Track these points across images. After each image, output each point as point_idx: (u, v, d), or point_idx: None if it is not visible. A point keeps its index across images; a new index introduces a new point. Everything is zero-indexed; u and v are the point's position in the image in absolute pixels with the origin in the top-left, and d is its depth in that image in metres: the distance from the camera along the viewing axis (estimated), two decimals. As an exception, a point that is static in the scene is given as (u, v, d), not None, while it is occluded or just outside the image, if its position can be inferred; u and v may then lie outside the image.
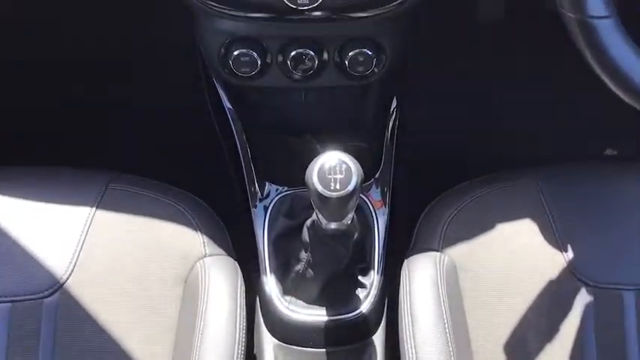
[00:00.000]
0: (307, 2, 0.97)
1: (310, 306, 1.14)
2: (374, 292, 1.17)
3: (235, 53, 1.09)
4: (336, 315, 1.12)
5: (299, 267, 1.11)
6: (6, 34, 1.57)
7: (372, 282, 1.19)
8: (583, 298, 1.03)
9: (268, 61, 1.12)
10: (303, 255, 1.08)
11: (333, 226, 0.97)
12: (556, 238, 1.09)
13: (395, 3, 1.02)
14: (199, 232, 1.09)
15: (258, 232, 1.23)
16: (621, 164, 1.30)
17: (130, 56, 1.79)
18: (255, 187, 1.29)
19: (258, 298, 1.19)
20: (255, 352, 1.16)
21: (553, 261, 1.08)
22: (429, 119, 1.70)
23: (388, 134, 1.35)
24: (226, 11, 1.01)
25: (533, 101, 1.91)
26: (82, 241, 1.03)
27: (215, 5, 1.01)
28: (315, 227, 1.03)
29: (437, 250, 1.11)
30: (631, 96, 0.78)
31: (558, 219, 1.11)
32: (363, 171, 0.90)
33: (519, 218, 1.12)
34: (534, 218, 1.10)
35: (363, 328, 1.16)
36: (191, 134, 1.58)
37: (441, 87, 1.82)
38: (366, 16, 1.04)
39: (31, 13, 1.56)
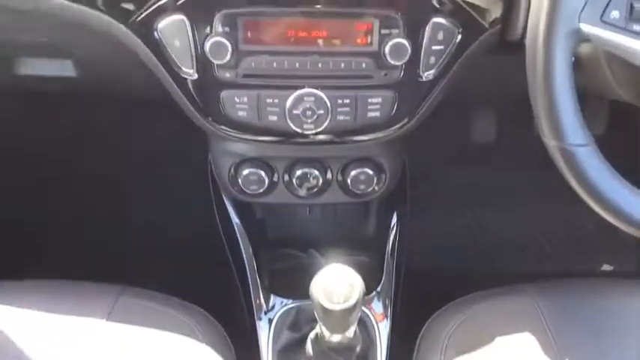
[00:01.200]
0: (312, 127, 1.06)
1: None
2: None
3: (245, 173, 1.18)
4: None
5: None
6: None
7: None
8: None
9: (275, 179, 1.20)
10: None
11: (336, 338, 1.00)
12: (556, 356, 1.10)
13: (394, 128, 1.11)
14: (205, 345, 1.11)
15: (263, 344, 1.25)
16: (620, 282, 1.33)
17: (137, 171, 1.87)
18: (260, 300, 1.32)
19: None
20: None
21: None
22: (428, 234, 1.75)
23: (389, 248, 1.41)
24: (238, 136, 1.10)
25: (530, 216, 1.97)
26: (92, 354, 1.06)
27: (228, 130, 1.10)
28: (318, 340, 1.06)
29: None
30: (612, 216, 0.84)
31: (558, 338, 1.12)
32: (365, 284, 0.94)
33: (519, 335, 1.14)
34: (534, 336, 1.12)
35: None
36: (198, 247, 1.63)
37: (440, 202, 1.90)
38: (367, 140, 1.13)
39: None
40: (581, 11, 0.77)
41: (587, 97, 0.89)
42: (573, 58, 0.83)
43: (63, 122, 1.69)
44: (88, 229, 1.88)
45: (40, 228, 1.80)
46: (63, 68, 1.18)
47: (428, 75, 1.05)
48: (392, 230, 1.40)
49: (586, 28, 0.77)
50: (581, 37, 0.78)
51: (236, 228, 1.36)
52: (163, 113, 1.30)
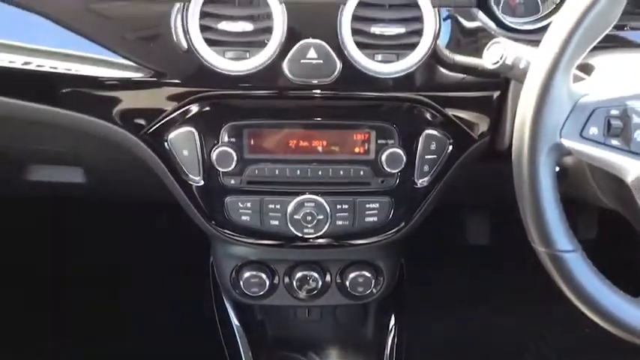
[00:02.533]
0: (312, 232, 1.11)
1: None
2: None
3: (246, 275, 1.21)
4: None
5: None
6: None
7: None
8: None
9: (276, 282, 1.23)
10: None
11: None
12: None
13: (391, 232, 1.16)
14: None
15: None
16: None
17: (137, 278, 1.88)
18: None
19: None
20: None
21: None
22: (427, 334, 1.75)
23: (387, 351, 1.41)
24: (241, 239, 1.14)
25: (529, 316, 1.97)
26: None
27: (231, 234, 1.14)
28: None
29: None
30: (601, 321, 0.87)
31: None
32: None
33: None
34: None
35: None
36: (198, 348, 1.63)
37: (438, 303, 1.91)
38: (365, 243, 1.18)
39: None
40: (562, 127, 0.83)
41: (576, 204, 0.94)
42: (558, 169, 0.89)
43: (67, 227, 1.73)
44: (90, 335, 1.87)
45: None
46: (73, 175, 1.23)
47: (422, 182, 1.11)
48: (390, 332, 1.41)
49: (567, 143, 0.83)
50: (563, 151, 0.84)
51: (236, 330, 1.37)
52: (165, 219, 1.33)
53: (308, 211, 1.05)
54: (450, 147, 1.08)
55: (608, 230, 1.48)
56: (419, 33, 1.00)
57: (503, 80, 1.08)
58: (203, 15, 0.97)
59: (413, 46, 1.00)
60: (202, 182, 1.06)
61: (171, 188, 1.08)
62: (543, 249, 0.85)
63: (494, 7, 1.15)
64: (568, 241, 0.84)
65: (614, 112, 0.80)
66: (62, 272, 1.81)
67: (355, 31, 1.02)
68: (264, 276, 1.19)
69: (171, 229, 1.58)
